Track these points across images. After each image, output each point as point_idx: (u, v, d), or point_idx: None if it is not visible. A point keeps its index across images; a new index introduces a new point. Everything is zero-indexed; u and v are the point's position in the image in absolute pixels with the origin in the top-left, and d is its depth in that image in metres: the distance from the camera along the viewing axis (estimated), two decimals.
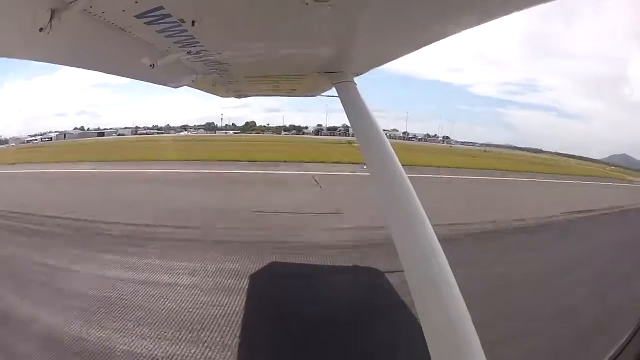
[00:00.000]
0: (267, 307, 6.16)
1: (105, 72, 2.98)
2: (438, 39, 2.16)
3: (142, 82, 3.46)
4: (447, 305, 1.73)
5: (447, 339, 1.68)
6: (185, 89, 4.12)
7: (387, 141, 2.45)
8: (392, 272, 6.74)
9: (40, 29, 1.41)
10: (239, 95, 5.18)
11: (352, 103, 2.85)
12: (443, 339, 1.69)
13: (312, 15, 1.72)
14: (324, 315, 5.63)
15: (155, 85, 3.81)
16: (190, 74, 3.22)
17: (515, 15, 1.69)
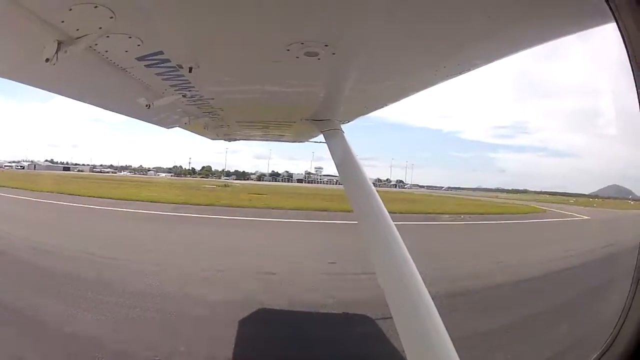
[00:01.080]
0: None
1: (102, 108, 3.06)
2: (423, 88, 2.29)
3: (132, 120, 3.56)
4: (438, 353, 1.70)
5: None
6: (178, 130, 4.22)
7: (373, 187, 2.50)
8: None
9: (47, 60, 1.49)
10: (229, 138, 5.30)
11: (338, 150, 2.95)
12: None
13: (301, 68, 1.86)
14: None
15: (145, 124, 3.90)
16: (183, 116, 3.33)
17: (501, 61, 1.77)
